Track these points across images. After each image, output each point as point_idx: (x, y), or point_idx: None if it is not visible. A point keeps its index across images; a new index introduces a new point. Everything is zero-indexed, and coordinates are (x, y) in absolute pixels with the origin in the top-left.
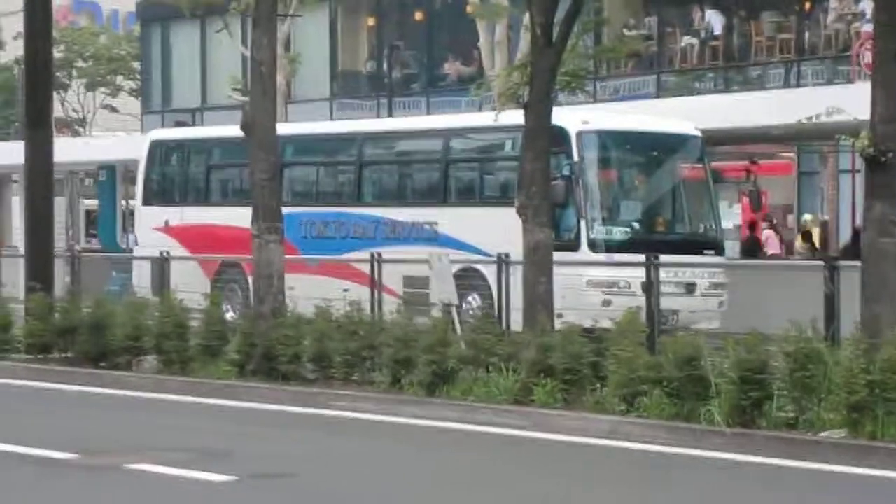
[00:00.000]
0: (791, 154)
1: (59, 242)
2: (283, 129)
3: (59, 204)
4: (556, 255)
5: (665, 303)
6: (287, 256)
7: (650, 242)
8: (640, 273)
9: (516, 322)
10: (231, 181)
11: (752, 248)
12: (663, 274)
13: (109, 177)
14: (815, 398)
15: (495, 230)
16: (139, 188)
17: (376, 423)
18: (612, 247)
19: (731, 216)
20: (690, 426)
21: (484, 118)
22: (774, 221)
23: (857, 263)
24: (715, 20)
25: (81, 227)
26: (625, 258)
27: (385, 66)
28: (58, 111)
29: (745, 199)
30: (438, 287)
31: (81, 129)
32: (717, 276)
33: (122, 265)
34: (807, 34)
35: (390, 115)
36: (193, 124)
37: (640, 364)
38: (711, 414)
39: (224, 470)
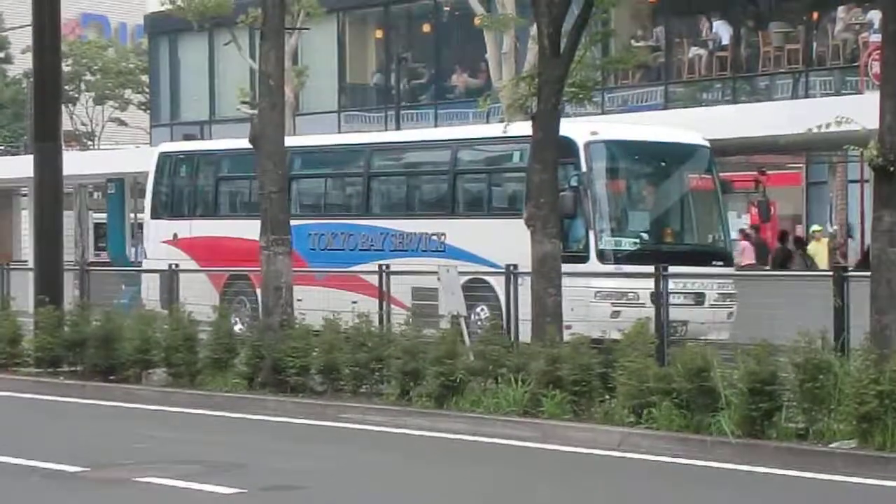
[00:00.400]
0: (800, 165)
1: (69, 256)
2: (291, 141)
3: (68, 217)
4: (565, 267)
5: (674, 314)
6: (295, 269)
7: (659, 253)
8: (649, 284)
9: (525, 333)
10: (239, 194)
11: (784, 260)
12: (672, 285)
13: (118, 190)
14: (824, 409)
15: (504, 241)
16: (148, 201)
17: (385, 435)
18: (620, 258)
19: (740, 226)
20: (700, 437)
21: (492, 130)
22: (748, 231)
23: (867, 274)
24: (723, 31)
25: (90, 240)
26: (634, 269)
27: (393, 78)
28: (66, 125)
29: (754, 210)
30: (447, 298)
31: (90, 143)
32: (726, 287)
33: (131, 278)
34: (815, 44)
35: (398, 127)
36: (202, 137)
37: (649, 375)
38: (721, 425)
39: (233, 483)
